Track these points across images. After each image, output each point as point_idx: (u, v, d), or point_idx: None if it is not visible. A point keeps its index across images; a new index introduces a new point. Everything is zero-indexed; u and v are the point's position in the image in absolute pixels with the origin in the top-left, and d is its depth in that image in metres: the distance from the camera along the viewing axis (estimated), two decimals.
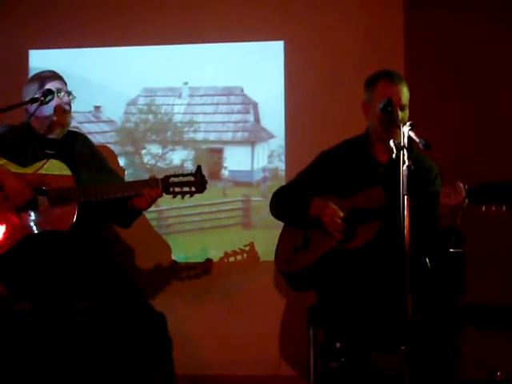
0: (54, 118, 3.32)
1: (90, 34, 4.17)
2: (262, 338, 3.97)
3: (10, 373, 3.22)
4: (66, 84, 3.39)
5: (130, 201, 3.23)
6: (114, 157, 4.10)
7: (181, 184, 3.18)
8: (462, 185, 2.93)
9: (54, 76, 3.38)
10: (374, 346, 3.19)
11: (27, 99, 3.30)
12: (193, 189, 3.19)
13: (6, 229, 3.22)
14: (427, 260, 3.22)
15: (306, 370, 3.39)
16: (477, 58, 4.00)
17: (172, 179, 3.19)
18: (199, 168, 3.20)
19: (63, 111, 3.35)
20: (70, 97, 3.36)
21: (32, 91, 3.33)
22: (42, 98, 3.23)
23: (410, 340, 2.64)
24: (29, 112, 3.34)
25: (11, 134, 3.37)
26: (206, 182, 3.19)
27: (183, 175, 3.19)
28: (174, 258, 4.08)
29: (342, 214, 3.18)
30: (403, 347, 2.69)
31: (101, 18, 4.16)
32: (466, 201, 2.93)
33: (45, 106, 3.27)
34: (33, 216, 3.23)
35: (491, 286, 3.84)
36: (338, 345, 3.06)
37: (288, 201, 3.38)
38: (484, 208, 2.88)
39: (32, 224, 3.22)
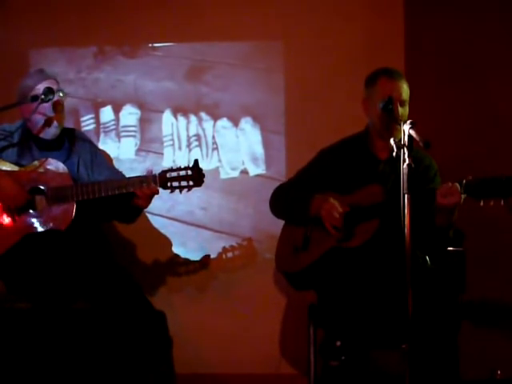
0: (53, 115, 3.32)
1: (90, 34, 4.17)
2: (262, 337, 3.97)
3: (9, 371, 3.22)
4: (57, 82, 3.38)
5: (132, 199, 3.23)
6: (111, 160, 4.10)
7: (178, 178, 3.17)
8: (458, 185, 2.93)
9: (46, 76, 3.37)
10: (374, 344, 3.19)
11: (25, 98, 3.29)
12: (191, 183, 3.17)
13: (2, 232, 3.23)
14: (427, 258, 3.23)
15: (306, 369, 3.39)
16: (476, 56, 4.00)
17: (169, 174, 3.18)
18: (196, 162, 3.19)
19: (62, 109, 3.35)
20: (62, 94, 3.35)
21: (24, 91, 3.32)
22: (43, 97, 3.23)
23: (410, 338, 2.64)
24: (25, 115, 3.33)
25: (14, 131, 3.37)
26: (203, 176, 3.18)
27: (181, 169, 3.18)
28: (175, 251, 4.09)
29: (341, 210, 3.18)
30: (403, 345, 2.69)
31: (101, 18, 4.16)
32: (463, 196, 2.94)
33: (46, 104, 3.27)
34: (30, 216, 3.23)
35: (492, 285, 3.84)
36: (338, 343, 3.06)
37: (289, 199, 3.38)
38: (482, 203, 2.88)
39: (29, 224, 3.22)
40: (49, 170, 3.26)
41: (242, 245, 4.00)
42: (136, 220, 3.47)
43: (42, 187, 3.24)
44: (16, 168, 3.29)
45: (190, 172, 3.17)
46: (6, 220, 3.23)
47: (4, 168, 3.27)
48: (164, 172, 3.18)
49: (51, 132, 3.35)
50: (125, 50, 4.20)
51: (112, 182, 3.21)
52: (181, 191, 3.18)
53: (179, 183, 3.17)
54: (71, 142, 3.44)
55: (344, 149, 3.39)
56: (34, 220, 3.23)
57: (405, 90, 3.22)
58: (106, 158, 3.59)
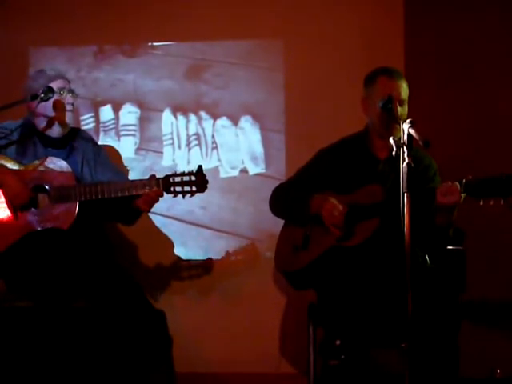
0: (53, 115, 3.32)
1: (90, 33, 4.17)
2: (262, 336, 3.97)
3: (10, 370, 3.22)
4: (69, 82, 3.39)
5: (133, 201, 3.23)
6: (119, 157, 4.11)
7: (182, 183, 3.18)
8: (457, 184, 2.93)
9: (58, 75, 3.37)
10: (374, 343, 3.19)
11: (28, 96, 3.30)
12: (194, 188, 3.18)
13: (3, 229, 3.23)
14: (427, 257, 3.23)
15: (306, 368, 3.39)
16: (476, 56, 4.00)
17: (173, 179, 3.19)
18: (200, 167, 3.20)
19: (63, 109, 3.35)
20: (72, 95, 3.36)
21: (34, 89, 3.33)
22: (42, 95, 3.23)
23: (409, 337, 2.64)
24: (30, 109, 3.34)
25: (14, 129, 3.38)
26: (207, 182, 3.19)
27: (184, 174, 3.18)
28: (177, 254, 4.09)
29: (341, 208, 3.17)
30: (403, 344, 2.69)
31: (101, 17, 4.16)
32: (463, 196, 2.94)
33: (45, 103, 3.27)
34: (32, 215, 3.23)
35: (492, 284, 3.84)
36: (337, 342, 3.06)
37: (288, 198, 3.38)
38: (482, 202, 2.88)
39: (32, 222, 3.22)
40: (50, 168, 3.27)
41: (246, 248, 4.01)
42: (136, 222, 3.48)
43: (45, 186, 3.24)
44: (17, 166, 3.29)
45: (193, 178, 3.18)
46: (9, 217, 3.23)
47: (8, 165, 3.28)
48: (168, 176, 3.19)
49: (56, 131, 3.36)
50: (124, 48, 4.21)
51: (115, 184, 3.22)
52: (183, 196, 3.18)
53: (182, 188, 3.17)
54: (74, 141, 3.45)
55: (343, 148, 3.39)
56: (36, 218, 3.23)
57: (404, 89, 3.22)
58: (109, 158, 3.58)
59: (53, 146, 3.37)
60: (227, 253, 4.02)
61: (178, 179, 3.18)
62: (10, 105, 3.28)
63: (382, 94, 3.14)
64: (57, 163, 3.27)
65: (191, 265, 4.04)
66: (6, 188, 3.21)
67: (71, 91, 3.36)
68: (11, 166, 3.28)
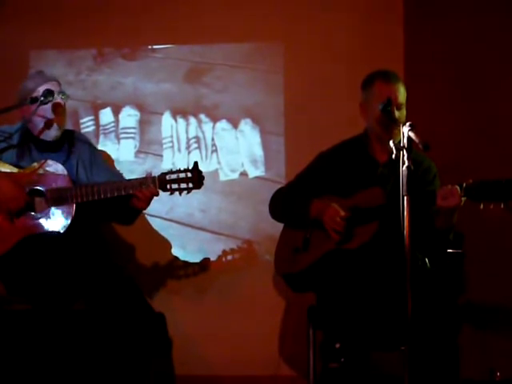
0: (53, 117, 3.32)
1: (90, 36, 4.18)
2: (261, 338, 3.96)
3: (8, 373, 3.22)
4: (60, 84, 3.39)
5: (130, 200, 3.24)
6: (112, 161, 4.11)
7: (178, 180, 3.18)
8: (458, 188, 2.93)
9: (48, 78, 3.38)
10: (374, 346, 3.19)
11: (25, 100, 3.30)
12: (190, 185, 3.18)
13: (1, 233, 3.23)
14: (426, 260, 3.23)
15: (305, 371, 3.39)
16: (476, 59, 4.00)
17: (169, 176, 3.19)
18: (196, 164, 3.20)
19: (62, 111, 3.35)
20: (63, 97, 3.36)
21: (26, 92, 3.33)
22: (42, 98, 3.23)
23: (409, 340, 2.64)
24: (26, 113, 3.33)
25: (14, 132, 3.38)
26: (203, 178, 3.19)
27: (180, 171, 3.19)
28: (174, 254, 4.09)
29: (343, 213, 3.17)
30: (403, 347, 2.69)
31: (101, 21, 4.17)
32: (463, 199, 2.94)
33: (45, 105, 3.27)
34: (29, 218, 3.23)
35: (492, 287, 3.84)
36: (337, 345, 3.06)
37: (288, 202, 3.38)
38: (482, 205, 2.88)
39: (29, 226, 3.22)
40: (48, 171, 3.27)
41: (242, 247, 4.01)
42: (135, 221, 3.48)
43: (41, 189, 3.25)
44: (15, 170, 3.30)
45: (189, 174, 3.18)
46: (5, 222, 3.23)
47: (3, 170, 3.28)
48: (163, 174, 3.19)
49: (52, 134, 3.35)
50: (124, 52, 4.22)
51: (111, 183, 3.22)
52: (180, 193, 3.19)
53: (179, 185, 3.18)
54: (70, 144, 3.45)
55: (343, 151, 3.38)
56: (33, 221, 3.23)
57: (401, 92, 3.21)
58: (105, 160, 3.60)
59: (49, 150, 3.37)
60: (224, 251, 4.01)
61: (173, 176, 3.18)
62: (10, 108, 3.28)
63: (380, 97, 3.14)
64: (54, 166, 3.27)
65: (188, 264, 4.04)
66: (2, 193, 3.21)
67: (61, 93, 3.35)
68: (6, 170, 3.27)
